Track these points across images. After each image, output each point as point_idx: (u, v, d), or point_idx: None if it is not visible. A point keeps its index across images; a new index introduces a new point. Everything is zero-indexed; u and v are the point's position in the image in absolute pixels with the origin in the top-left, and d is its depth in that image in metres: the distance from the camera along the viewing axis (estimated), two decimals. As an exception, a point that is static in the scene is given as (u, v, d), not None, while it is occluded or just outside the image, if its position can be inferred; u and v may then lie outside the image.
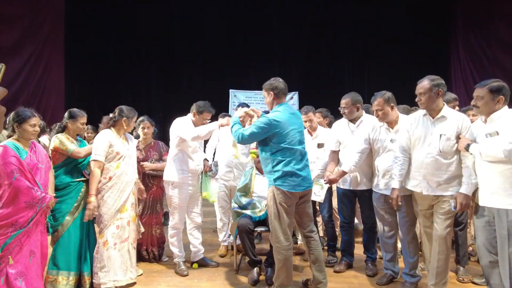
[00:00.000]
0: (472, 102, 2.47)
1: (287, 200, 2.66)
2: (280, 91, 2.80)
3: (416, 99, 2.68)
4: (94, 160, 2.88)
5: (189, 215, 3.50)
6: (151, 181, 3.64)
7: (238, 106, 3.89)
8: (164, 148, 3.75)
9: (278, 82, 2.83)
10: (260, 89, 8.84)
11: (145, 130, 3.68)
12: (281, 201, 2.65)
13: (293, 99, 7.98)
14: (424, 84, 2.63)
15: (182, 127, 3.30)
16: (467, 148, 2.42)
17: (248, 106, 3.77)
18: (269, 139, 2.68)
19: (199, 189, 3.52)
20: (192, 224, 3.51)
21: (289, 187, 2.65)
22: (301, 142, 2.79)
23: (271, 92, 2.80)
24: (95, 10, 8.17)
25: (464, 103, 5.50)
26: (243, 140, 2.72)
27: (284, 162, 2.66)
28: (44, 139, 5.06)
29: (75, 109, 3.09)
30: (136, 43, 8.55)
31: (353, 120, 3.33)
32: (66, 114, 3.07)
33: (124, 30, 8.42)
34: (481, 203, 2.42)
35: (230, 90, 7.80)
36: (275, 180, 2.67)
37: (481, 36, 7.29)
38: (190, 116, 3.41)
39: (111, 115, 3.08)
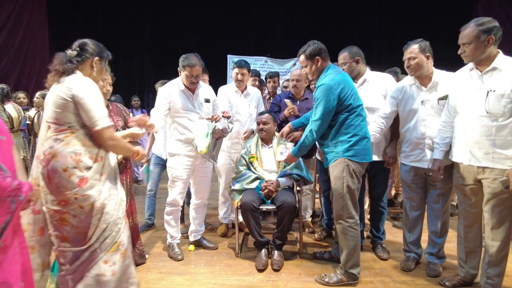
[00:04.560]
0: None
1: (359, 171, 2.43)
2: (326, 51, 2.49)
3: (459, 51, 2.15)
4: (106, 127, 1.75)
5: (195, 190, 3.08)
6: (124, 157, 2.67)
7: (235, 64, 3.33)
8: (126, 111, 2.81)
9: (319, 43, 2.47)
10: (260, 54, 8.22)
11: (109, 87, 2.60)
12: (355, 172, 2.41)
13: (296, 65, 7.42)
14: (468, 31, 2.08)
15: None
16: None
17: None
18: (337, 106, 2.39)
19: (208, 165, 3.03)
20: (197, 200, 3.09)
21: (360, 157, 2.41)
22: (361, 103, 2.49)
23: (318, 57, 2.45)
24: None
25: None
26: (319, 127, 2.41)
27: (354, 126, 2.39)
28: (9, 107, 4.53)
29: None
30: (128, 5, 7.89)
31: (355, 78, 2.82)
32: None
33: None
34: None
35: (229, 56, 7.27)
36: (345, 151, 2.39)
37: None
38: (180, 77, 2.89)
39: (68, 51, 1.84)
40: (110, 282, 1.77)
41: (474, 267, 2.34)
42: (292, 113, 3.22)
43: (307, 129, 2.51)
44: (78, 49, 1.85)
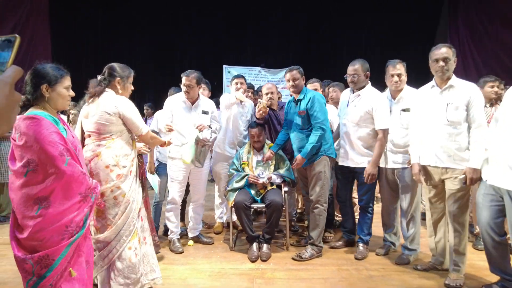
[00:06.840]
0: None
1: (332, 166, 3.13)
2: None
3: (440, 64, 2.45)
4: (147, 132, 2.33)
5: (192, 191, 3.45)
6: (139, 159, 2.88)
7: (233, 78, 3.73)
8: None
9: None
10: (255, 65, 8.48)
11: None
12: (331, 167, 3.09)
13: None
14: (447, 50, 2.46)
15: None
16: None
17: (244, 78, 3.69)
18: None
19: (203, 169, 3.33)
20: (194, 200, 3.44)
21: (334, 154, 3.09)
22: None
23: (303, 77, 3.12)
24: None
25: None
26: (326, 124, 3.01)
27: (329, 130, 3.06)
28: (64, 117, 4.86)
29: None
30: (127, 14, 8.14)
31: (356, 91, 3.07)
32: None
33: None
34: (490, 182, 2.28)
35: (224, 66, 7.59)
36: (326, 150, 3.02)
37: (483, 11, 7.10)
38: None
39: (99, 77, 2.34)
40: (136, 263, 2.20)
41: (441, 255, 2.73)
42: (263, 113, 3.42)
43: (314, 132, 2.91)
44: (105, 73, 2.34)
